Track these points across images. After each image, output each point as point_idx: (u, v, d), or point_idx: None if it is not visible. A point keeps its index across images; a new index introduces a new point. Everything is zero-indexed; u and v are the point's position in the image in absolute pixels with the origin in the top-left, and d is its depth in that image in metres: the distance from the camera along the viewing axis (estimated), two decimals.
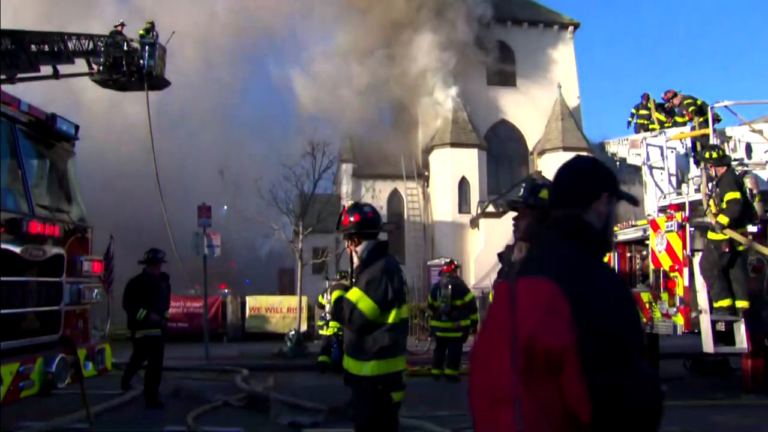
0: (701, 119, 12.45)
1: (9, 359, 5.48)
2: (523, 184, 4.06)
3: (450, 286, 12.72)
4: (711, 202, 9.56)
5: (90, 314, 7.34)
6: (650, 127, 14.46)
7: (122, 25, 15.13)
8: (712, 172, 9.69)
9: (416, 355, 16.05)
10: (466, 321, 12.65)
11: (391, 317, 4.40)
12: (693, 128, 12.60)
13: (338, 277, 14.63)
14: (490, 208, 30.86)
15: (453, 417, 8.36)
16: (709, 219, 9.45)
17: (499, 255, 4.17)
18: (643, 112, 15.50)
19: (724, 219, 9.20)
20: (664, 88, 15.09)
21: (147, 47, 14.94)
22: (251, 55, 42.53)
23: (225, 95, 42.83)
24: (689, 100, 13.26)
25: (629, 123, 15.87)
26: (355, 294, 4.37)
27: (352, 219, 4.57)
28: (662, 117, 14.52)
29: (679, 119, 13.75)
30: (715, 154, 9.62)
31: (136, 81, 14.98)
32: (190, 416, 8.30)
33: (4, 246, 5.54)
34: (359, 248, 4.56)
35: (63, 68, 12.64)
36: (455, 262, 14.06)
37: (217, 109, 41.39)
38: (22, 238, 5.80)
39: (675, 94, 14.03)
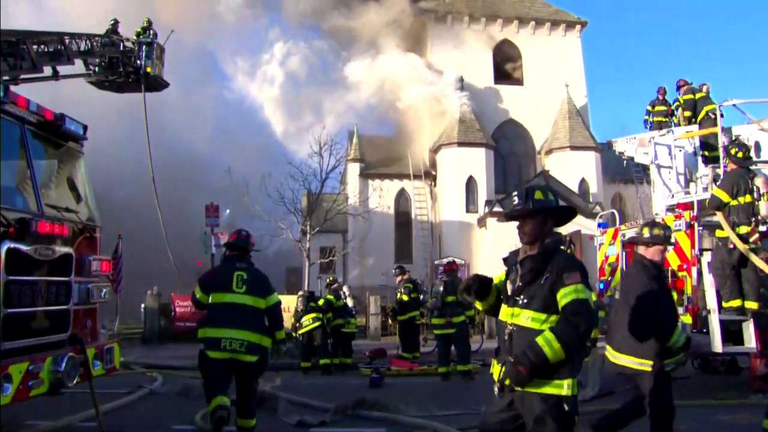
0: (687, 114, 12.52)
1: (18, 358, 5.50)
2: (514, 193, 4.08)
3: (443, 283, 12.76)
4: None
5: (98, 313, 7.36)
6: (677, 121, 13.82)
7: (116, 23, 14.75)
8: (729, 166, 9.67)
9: (423, 355, 16.06)
10: (458, 318, 12.43)
11: (212, 298, 6.56)
12: (678, 120, 12.60)
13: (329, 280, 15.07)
14: (498, 208, 30.81)
15: (461, 416, 8.36)
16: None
17: (505, 260, 4.19)
18: (659, 108, 15.02)
19: (724, 195, 9.25)
20: (673, 87, 14.74)
21: (144, 47, 14.65)
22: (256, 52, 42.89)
23: (231, 94, 43.12)
24: (689, 96, 13.18)
25: (646, 122, 15.34)
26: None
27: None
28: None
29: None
30: (741, 154, 9.54)
31: (132, 82, 14.74)
32: (198, 415, 8.33)
33: (14, 246, 5.56)
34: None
35: (62, 69, 12.53)
36: (456, 262, 14.18)
37: (224, 107, 41.59)
38: (32, 238, 5.82)
39: (685, 83, 13.75)
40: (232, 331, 6.33)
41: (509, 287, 4.04)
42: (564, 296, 3.75)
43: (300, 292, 14.70)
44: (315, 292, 15.21)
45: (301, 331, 14.20)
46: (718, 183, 9.62)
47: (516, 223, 4.08)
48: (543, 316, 3.80)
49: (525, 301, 3.88)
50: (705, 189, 11.27)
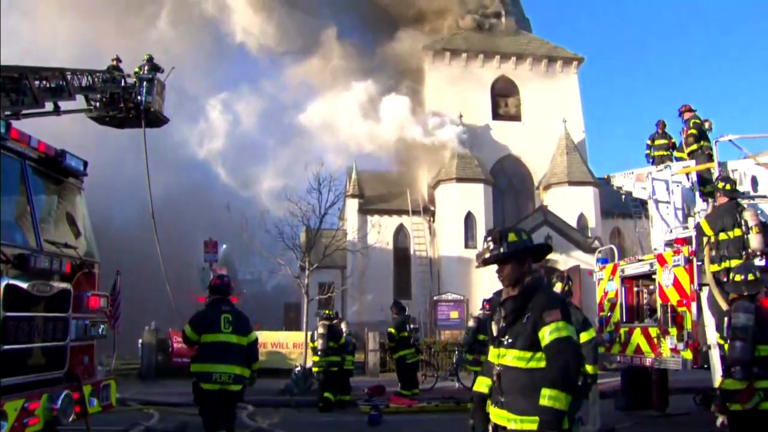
0: (693, 140, 12.53)
1: (14, 395, 5.45)
2: (488, 238, 4.08)
3: (476, 320, 12.79)
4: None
5: (96, 349, 7.31)
6: (677, 155, 13.68)
7: (118, 59, 14.87)
8: (719, 200, 9.71)
9: (422, 392, 15.93)
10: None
11: (202, 338, 7.53)
12: (689, 144, 12.64)
13: (325, 313, 14.73)
14: None
15: None
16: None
17: (488, 300, 4.25)
18: (659, 142, 14.80)
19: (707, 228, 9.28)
20: (671, 120, 14.68)
21: (144, 83, 14.75)
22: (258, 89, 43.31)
23: (232, 130, 43.47)
24: (697, 120, 13.05)
25: (648, 156, 15.08)
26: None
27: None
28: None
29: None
30: (728, 186, 9.62)
31: (133, 117, 14.80)
32: None
33: (11, 282, 5.55)
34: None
35: (63, 104, 12.57)
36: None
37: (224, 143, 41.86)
38: (30, 274, 5.80)
39: (690, 109, 13.42)
40: (222, 366, 7.41)
41: (494, 328, 4.10)
42: (545, 336, 3.78)
43: (320, 329, 14.08)
44: (334, 320, 14.78)
45: (316, 369, 14.07)
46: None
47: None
48: (528, 355, 3.83)
49: (510, 341, 3.92)
50: None
